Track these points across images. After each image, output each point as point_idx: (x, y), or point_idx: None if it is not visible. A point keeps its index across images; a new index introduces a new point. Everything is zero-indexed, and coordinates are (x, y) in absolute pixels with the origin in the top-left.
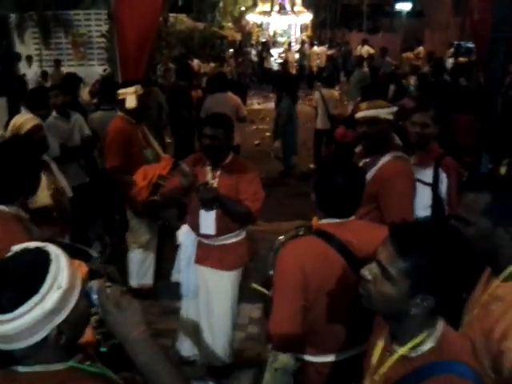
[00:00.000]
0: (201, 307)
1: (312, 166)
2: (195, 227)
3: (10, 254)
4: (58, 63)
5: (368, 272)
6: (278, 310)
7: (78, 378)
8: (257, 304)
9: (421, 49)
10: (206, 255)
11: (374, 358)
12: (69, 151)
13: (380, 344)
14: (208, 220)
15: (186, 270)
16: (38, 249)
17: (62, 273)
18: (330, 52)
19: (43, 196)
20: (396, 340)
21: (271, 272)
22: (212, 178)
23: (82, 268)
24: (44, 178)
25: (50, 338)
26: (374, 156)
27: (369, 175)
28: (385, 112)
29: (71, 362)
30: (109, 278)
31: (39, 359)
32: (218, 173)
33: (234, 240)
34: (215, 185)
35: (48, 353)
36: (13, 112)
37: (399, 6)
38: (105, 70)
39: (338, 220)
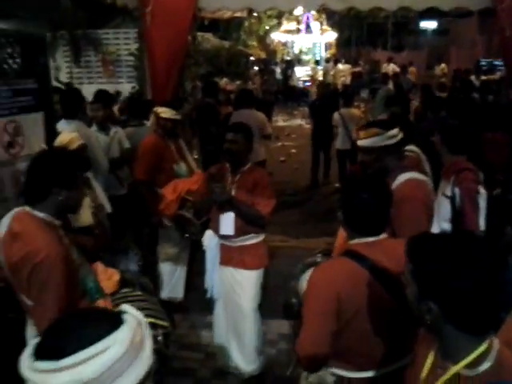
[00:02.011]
0: (229, 307)
1: (337, 185)
2: (216, 229)
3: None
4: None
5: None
6: (309, 331)
7: None
8: (286, 320)
9: (443, 66)
10: (229, 256)
11: (424, 373)
12: (111, 162)
13: (430, 358)
14: (227, 221)
15: (212, 272)
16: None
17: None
18: (356, 69)
19: (86, 216)
20: (448, 356)
21: (294, 300)
22: (231, 182)
23: (114, 276)
24: (84, 197)
25: None
26: (388, 178)
27: None
28: (379, 140)
29: None
30: (141, 287)
31: None
32: (237, 178)
33: (252, 241)
34: (233, 189)
35: None
36: (49, 126)
37: (424, 24)
38: (133, 88)
39: (368, 239)
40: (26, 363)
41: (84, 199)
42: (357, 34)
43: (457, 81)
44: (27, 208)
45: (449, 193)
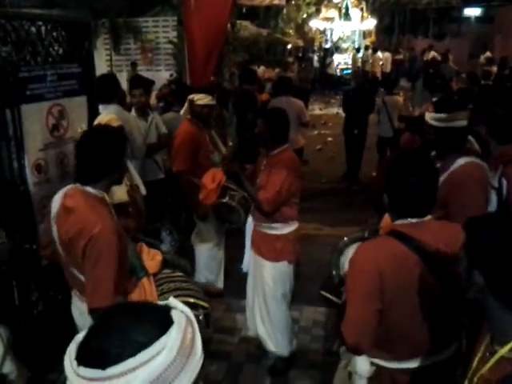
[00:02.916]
0: (255, 290)
1: (375, 174)
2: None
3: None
4: (134, 65)
5: None
6: (353, 312)
7: None
8: (320, 307)
9: (488, 54)
10: (254, 239)
11: (475, 360)
12: (148, 147)
13: (483, 345)
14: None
15: (247, 245)
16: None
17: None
18: (397, 57)
19: (121, 193)
20: (495, 340)
21: (334, 272)
22: (264, 165)
23: (157, 257)
24: None
25: None
26: (446, 161)
27: (440, 180)
28: (448, 120)
29: None
30: (180, 269)
31: None
32: (265, 161)
33: (272, 232)
34: (262, 172)
35: None
36: (92, 110)
37: (467, 12)
38: (171, 75)
39: (413, 220)
40: (70, 365)
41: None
42: (397, 21)
43: (504, 68)
44: (78, 185)
45: (496, 184)
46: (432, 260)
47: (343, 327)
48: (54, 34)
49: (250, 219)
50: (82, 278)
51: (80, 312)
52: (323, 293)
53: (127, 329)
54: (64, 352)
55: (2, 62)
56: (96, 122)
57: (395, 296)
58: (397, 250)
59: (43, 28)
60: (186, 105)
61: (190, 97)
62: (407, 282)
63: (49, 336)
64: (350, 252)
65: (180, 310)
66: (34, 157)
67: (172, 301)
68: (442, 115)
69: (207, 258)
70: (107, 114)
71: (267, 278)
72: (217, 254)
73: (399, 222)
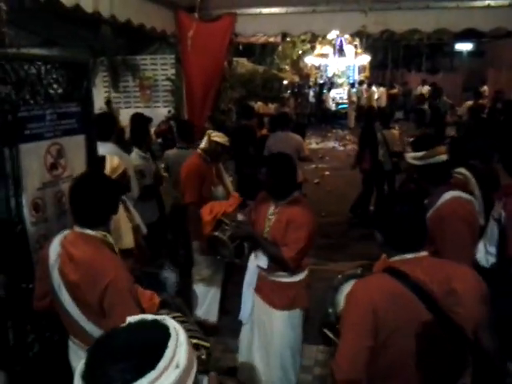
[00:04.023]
0: (255, 338)
1: (372, 208)
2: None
3: (124, 324)
4: (109, 103)
5: None
6: (344, 348)
7: None
8: (322, 346)
9: (485, 88)
10: (261, 287)
11: None
12: (148, 188)
13: None
14: (262, 253)
15: (246, 293)
16: (155, 321)
17: (181, 350)
18: (392, 91)
19: (128, 240)
20: None
21: (330, 310)
22: (273, 213)
23: (155, 299)
24: (126, 220)
25: None
26: (433, 196)
27: (427, 216)
28: (423, 158)
29: None
30: (176, 308)
31: None
32: (277, 209)
33: (285, 280)
34: (272, 220)
35: None
36: (90, 148)
37: (459, 46)
38: (169, 112)
39: (408, 256)
40: None
41: (126, 223)
42: (390, 56)
43: (498, 102)
44: (77, 228)
45: (496, 215)
46: (428, 298)
47: (333, 363)
48: (54, 73)
49: (250, 265)
50: (87, 327)
51: (76, 359)
52: (325, 331)
53: (128, 354)
54: None
55: (1, 102)
56: (109, 165)
57: (391, 334)
58: (392, 287)
59: (42, 68)
60: (206, 139)
61: (209, 132)
62: (403, 320)
63: (44, 380)
64: (346, 290)
65: (172, 329)
66: (31, 196)
67: (168, 321)
68: (420, 154)
69: (202, 294)
70: (115, 158)
71: (277, 328)
72: (214, 291)
73: (395, 258)
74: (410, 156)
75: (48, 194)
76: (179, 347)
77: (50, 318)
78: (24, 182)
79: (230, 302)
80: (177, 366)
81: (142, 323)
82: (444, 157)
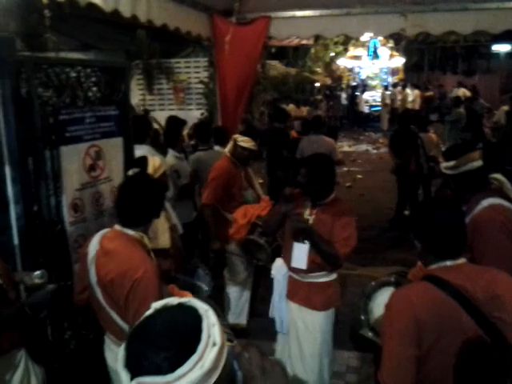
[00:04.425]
0: (292, 345)
1: (407, 212)
2: (287, 260)
3: (150, 311)
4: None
5: None
6: (390, 359)
7: None
8: (354, 352)
9: None
10: (295, 291)
11: None
12: (184, 188)
13: None
14: (301, 253)
15: (279, 305)
16: (182, 305)
17: (214, 329)
18: (427, 94)
19: (164, 239)
20: None
21: (363, 317)
22: (309, 214)
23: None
24: (164, 221)
25: None
26: (470, 203)
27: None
28: (459, 165)
29: None
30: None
31: None
32: (316, 210)
33: (323, 279)
34: (311, 221)
35: None
36: (127, 150)
37: (496, 48)
38: (202, 114)
39: (448, 263)
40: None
41: (163, 223)
42: (426, 58)
43: None
44: (118, 227)
45: None
46: (470, 304)
47: (380, 376)
48: (93, 77)
49: (277, 275)
50: (120, 322)
51: (116, 357)
52: (363, 332)
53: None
54: None
55: (43, 106)
56: (151, 165)
57: (434, 343)
58: (434, 295)
59: (82, 72)
60: (231, 143)
61: (235, 136)
62: (446, 328)
63: (80, 377)
64: (378, 297)
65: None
66: (71, 196)
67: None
68: (452, 163)
69: (236, 298)
70: (157, 160)
71: (317, 328)
72: (245, 294)
73: (434, 266)
74: (443, 166)
75: (86, 195)
76: (212, 327)
77: (87, 316)
78: (64, 183)
79: (259, 305)
80: (214, 344)
81: (168, 307)
82: (478, 163)
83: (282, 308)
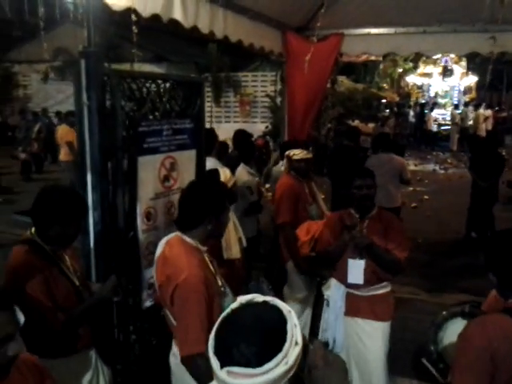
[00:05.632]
0: (352, 361)
1: (474, 234)
2: (343, 277)
3: (236, 304)
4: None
5: None
6: None
7: None
8: (416, 380)
9: None
10: (357, 307)
11: None
12: (254, 204)
13: None
14: (356, 269)
15: (334, 325)
16: (267, 303)
17: (296, 329)
18: (501, 114)
19: (236, 250)
20: None
21: (432, 348)
22: (360, 229)
23: None
24: (235, 232)
25: None
26: None
27: None
28: None
29: None
30: None
31: None
32: (366, 223)
33: (383, 291)
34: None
35: None
36: (199, 162)
37: None
38: (266, 127)
39: None
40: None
41: (234, 235)
42: (499, 77)
43: None
44: (179, 233)
45: None
46: None
47: None
48: (172, 91)
49: (331, 295)
50: (173, 321)
51: (177, 360)
52: (425, 362)
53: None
54: None
55: (124, 117)
56: (223, 176)
57: (509, 379)
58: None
59: (162, 86)
60: (286, 160)
61: (287, 152)
62: None
63: (142, 381)
64: (449, 327)
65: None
66: (145, 205)
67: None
68: None
69: (298, 314)
70: (226, 171)
71: (379, 340)
72: (307, 312)
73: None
74: None
75: (159, 204)
76: (295, 328)
77: (153, 322)
78: (139, 192)
79: (318, 323)
80: (296, 344)
81: (254, 303)
82: None
83: (337, 327)
